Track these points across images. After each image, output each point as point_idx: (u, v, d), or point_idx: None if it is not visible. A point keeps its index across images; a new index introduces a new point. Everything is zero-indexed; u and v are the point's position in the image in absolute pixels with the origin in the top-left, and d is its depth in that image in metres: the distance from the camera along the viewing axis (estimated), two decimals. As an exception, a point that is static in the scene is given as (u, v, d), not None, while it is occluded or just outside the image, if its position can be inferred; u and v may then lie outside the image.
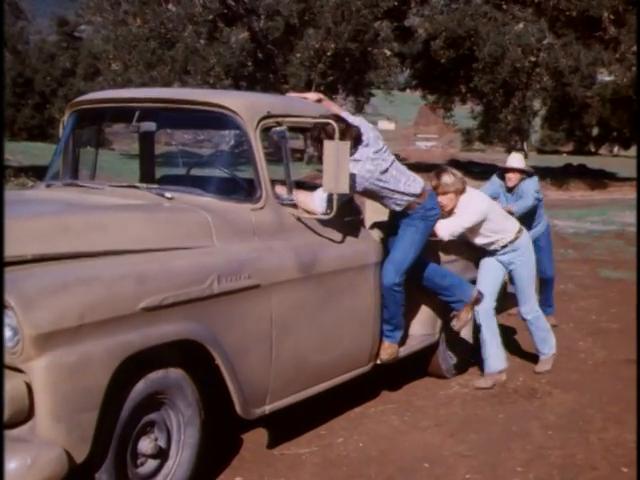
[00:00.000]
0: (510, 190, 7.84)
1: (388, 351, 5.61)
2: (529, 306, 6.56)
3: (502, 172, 7.90)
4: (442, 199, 5.94)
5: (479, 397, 6.05)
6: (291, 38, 30.81)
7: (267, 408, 4.56)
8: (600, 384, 6.40)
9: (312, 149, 32.60)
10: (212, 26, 30.28)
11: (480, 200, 6.25)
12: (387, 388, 6.12)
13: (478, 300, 6.08)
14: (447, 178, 6.02)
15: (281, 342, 4.53)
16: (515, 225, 6.43)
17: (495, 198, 7.44)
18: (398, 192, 5.40)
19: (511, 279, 6.63)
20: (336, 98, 40.44)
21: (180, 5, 29.75)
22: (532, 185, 7.78)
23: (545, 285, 8.11)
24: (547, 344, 6.69)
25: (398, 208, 5.53)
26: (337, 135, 4.71)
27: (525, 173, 7.87)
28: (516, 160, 7.99)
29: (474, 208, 6.10)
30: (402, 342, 5.77)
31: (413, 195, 5.47)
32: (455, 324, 6.03)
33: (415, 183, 5.50)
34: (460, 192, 6.06)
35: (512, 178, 7.83)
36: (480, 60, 29.86)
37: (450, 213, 6.07)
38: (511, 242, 6.31)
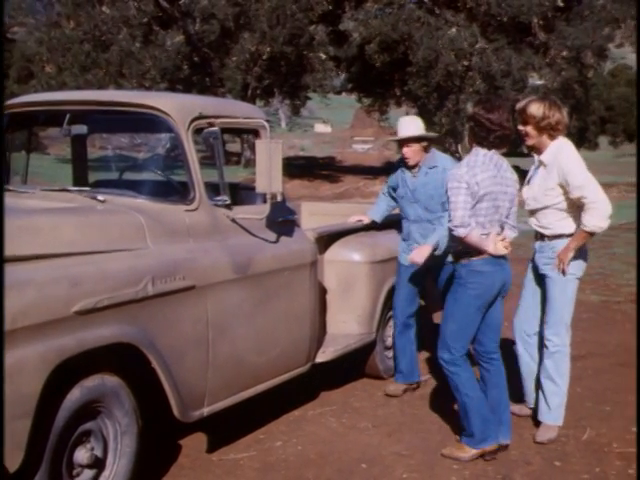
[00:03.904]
0: (411, 169, 5.79)
1: (457, 453, 4.90)
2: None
3: (400, 147, 5.74)
4: (519, 127, 5.12)
5: (416, 397, 6.09)
6: (227, 41, 30.73)
7: (205, 410, 4.52)
8: (534, 381, 6.49)
9: (249, 152, 32.55)
10: (147, 29, 30.03)
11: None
12: (325, 390, 6.13)
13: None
14: (535, 108, 5.07)
15: (218, 343, 4.50)
16: None
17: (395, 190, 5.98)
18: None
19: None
20: (272, 101, 40.53)
21: (114, 7, 29.42)
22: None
23: None
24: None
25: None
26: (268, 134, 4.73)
27: (426, 140, 5.73)
28: (407, 126, 5.68)
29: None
30: (340, 342, 5.80)
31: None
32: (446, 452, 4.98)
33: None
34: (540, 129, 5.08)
35: (407, 152, 5.69)
36: (414, 64, 30.11)
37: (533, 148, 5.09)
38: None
